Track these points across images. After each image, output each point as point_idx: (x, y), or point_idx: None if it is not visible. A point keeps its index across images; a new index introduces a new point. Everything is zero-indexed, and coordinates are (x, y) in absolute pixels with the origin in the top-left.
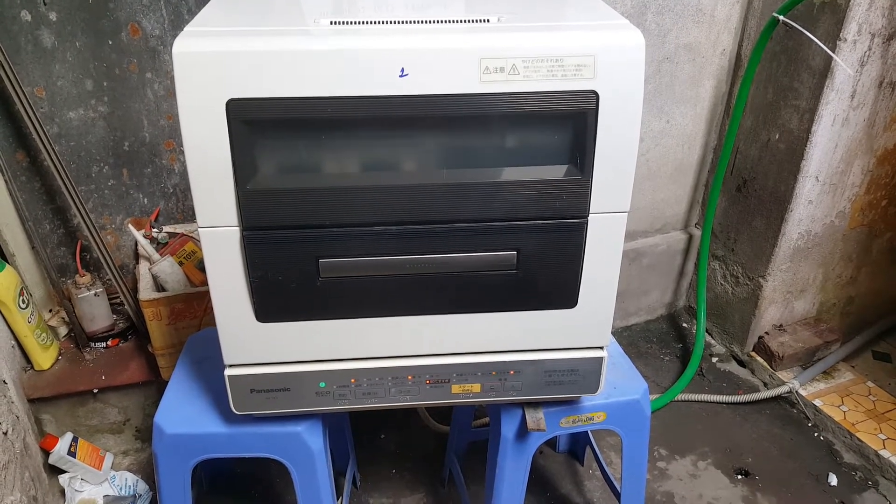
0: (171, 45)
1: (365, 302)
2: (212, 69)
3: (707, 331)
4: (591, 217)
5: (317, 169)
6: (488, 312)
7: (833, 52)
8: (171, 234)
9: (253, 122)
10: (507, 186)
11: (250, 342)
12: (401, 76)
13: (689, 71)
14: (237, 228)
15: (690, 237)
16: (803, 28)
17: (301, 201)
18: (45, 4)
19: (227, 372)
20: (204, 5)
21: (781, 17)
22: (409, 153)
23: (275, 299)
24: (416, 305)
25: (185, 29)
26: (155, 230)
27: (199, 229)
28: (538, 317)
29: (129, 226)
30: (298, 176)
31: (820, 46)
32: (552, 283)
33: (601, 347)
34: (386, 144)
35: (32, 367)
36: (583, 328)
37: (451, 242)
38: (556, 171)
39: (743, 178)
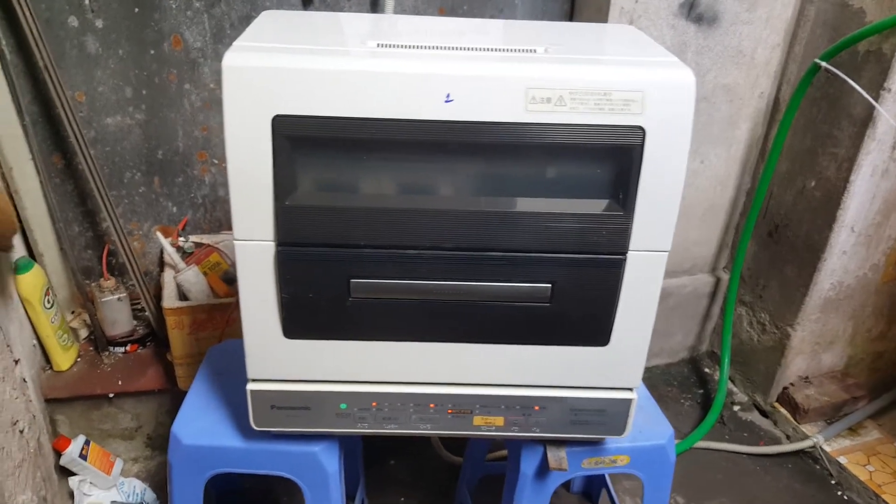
0: (211, 58)
1: (393, 325)
2: (260, 84)
3: (730, 378)
4: (630, 254)
5: (355, 189)
6: (518, 344)
7: (876, 101)
8: (198, 244)
9: (297, 139)
10: (546, 218)
11: (275, 358)
12: (446, 101)
13: (726, 112)
14: (272, 243)
15: (718, 280)
16: (846, 76)
17: (337, 220)
18: (92, 11)
19: (250, 386)
20: (246, 21)
21: (824, 64)
22: (449, 178)
23: (304, 316)
24: (445, 332)
25: (234, 43)
26: (182, 239)
27: (235, 242)
28: (568, 353)
29: (157, 233)
30: (336, 194)
31: (863, 95)
32: (585, 319)
33: (631, 389)
34: (426, 168)
35: (51, 367)
36: (614, 368)
37: (485, 271)
38: (597, 206)
39: (775, 224)
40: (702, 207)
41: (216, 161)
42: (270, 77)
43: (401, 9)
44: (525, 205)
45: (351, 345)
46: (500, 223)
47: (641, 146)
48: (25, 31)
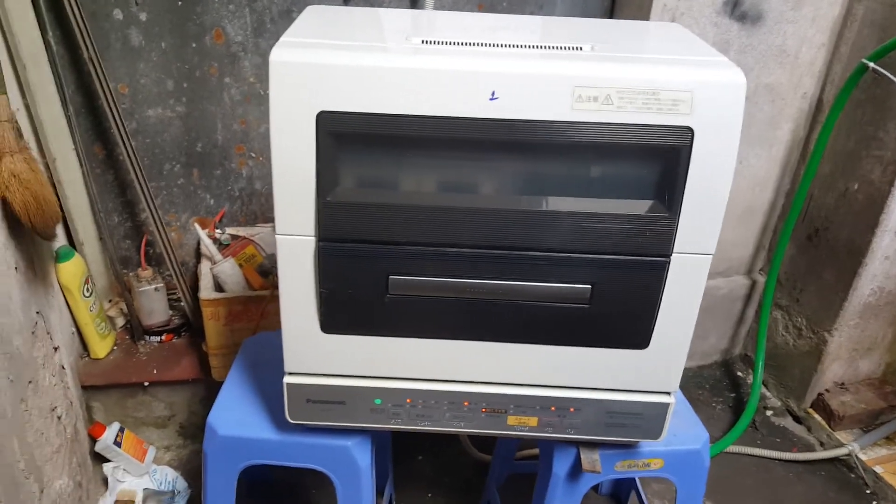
0: (252, 52)
1: (430, 322)
2: (306, 80)
3: (763, 382)
4: (673, 257)
5: (397, 186)
6: (555, 345)
7: None
8: (234, 237)
9: (341, 135)
10: (589, 218)
11: (313, 352)
12: (491, 99)
13: (768, 112)
14: (313, 238)
15: (754, 283)
16: (894, 76)
17: (378, 216)
18: (136, 4)
19: (287, 380)
20: (286, 16)
21: (871, 64)
22: (491, 177)
23: (342, 311)
24: (482, 331)
25: (281, 38)
26: (218, 231)
27: (277, 236)
28: (606, 355)
29: (195, 224)
30: (378, 191)
31: None
32: (625, 322)
33: (669, 393)
34: (469, 166)
35: (88, 355)
36: (652, 371)
37: (524, 270)
38: (642, 207)
39: (815, 227)
40: (740, 208)
41: (254, 154)
42: (316, 73)
43: (440, 4)
44: (568, 204)
45: (387, 341)
46: (542, 223)
47: (690, 147)
48: (72, 23)
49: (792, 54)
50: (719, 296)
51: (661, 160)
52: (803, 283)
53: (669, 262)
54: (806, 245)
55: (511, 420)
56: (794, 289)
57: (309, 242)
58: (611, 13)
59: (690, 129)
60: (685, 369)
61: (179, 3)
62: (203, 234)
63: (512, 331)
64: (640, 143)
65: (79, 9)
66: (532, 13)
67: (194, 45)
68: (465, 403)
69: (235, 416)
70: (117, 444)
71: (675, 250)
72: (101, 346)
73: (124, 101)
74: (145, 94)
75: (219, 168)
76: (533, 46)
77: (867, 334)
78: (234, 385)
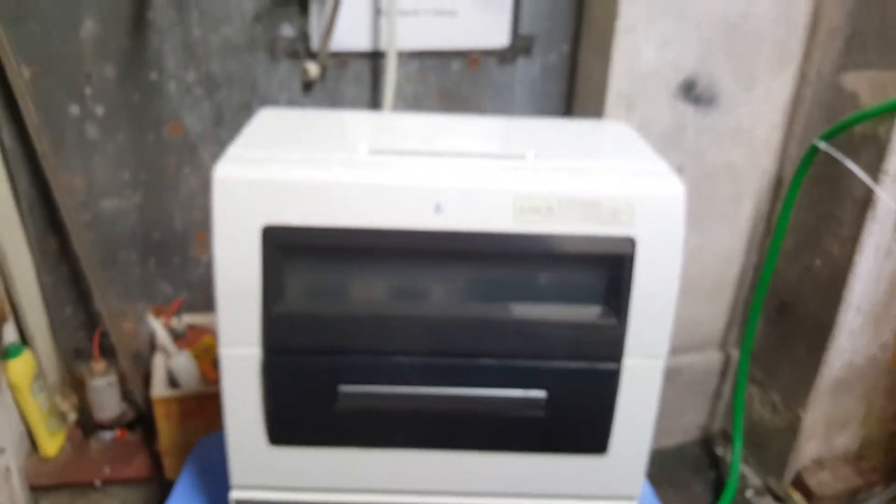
0: (212, 142)
1: (382, 432)
2: (250, 195)
3: (743, 459)
4: (625, 362)
5: (344, 296)
6: (512, 452)
7: (875, 183)
8: (191, 326)
9: (287, 248)
10: (538, 325)
11: (261, 464)
12: (436, 212)
13: (729, 190)
14: (258, 350)
15: (728, 357)
16: (845, 157)
17: (325, 327)
18: (93, 100)
19: (234, 494)
20: (246, 108)
21: (822, 145)
22: (439, 285)
23: (290, 423)
24: (436, 439)
25: (227, 151)
26: (176, 319)
27: (221, 348)
28: (564, 461)
29: (149, 318)
30: (325, 302)
31: (861, 177)
32: (581, 427)
33: (632, 498)
34: (416, 276)
35: (37, 453)
36: (613, 476)
37: (477, 377)
38: (590, 313)
39: (782, 301)
40: (709, 282)
41: (214, 270)
42: (261, 189)
43: (400, 92)
44: (516, 311)
45: (338, 452)
46: (493, 330)
47: (632, 256)
48: (26, 120)
49: (747, 134)
50: (695, 371)
51: (606, 269)
52: (775, 358)
53: (621, 367)
54: (776, 319)
55: None
56: (767, 363)
57: (254, 354)
58: (568, 98)
59: (632, 240)
60: (665, 448)
61: (137, 96)
62: (158, 326)
63: (467, 439)
64: (583, 252)
65: (34, 106)
66: (491, 97)
67: (152, 136)
68: None
69: None
70: None
71: (626, 355)
72: (51, 444)
73: (80, 194)
74: (101, 186)
75: (177, 256)
76: (479, 155)
77: (841, 409)
78: (184, 492)
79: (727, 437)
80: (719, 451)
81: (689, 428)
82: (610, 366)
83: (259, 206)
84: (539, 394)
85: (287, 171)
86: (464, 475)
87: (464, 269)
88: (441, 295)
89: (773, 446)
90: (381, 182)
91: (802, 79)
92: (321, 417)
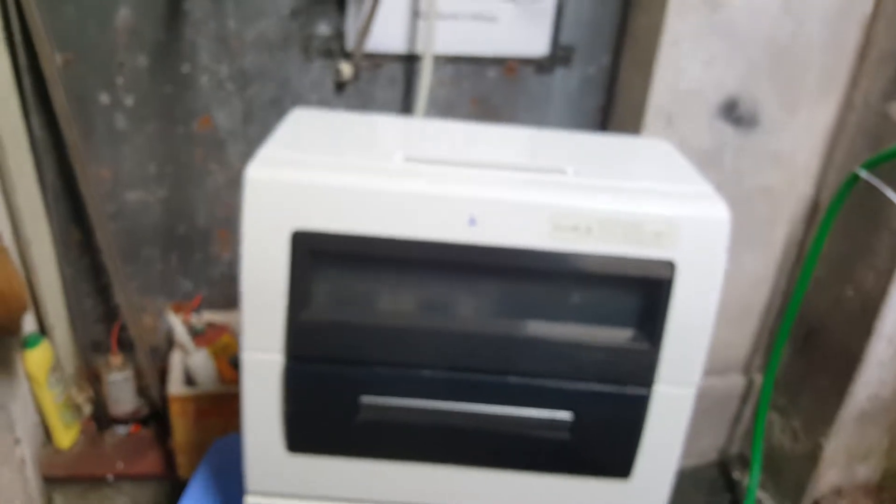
0: (241, 139)
1: (402, 445)
2: (282, 198)
3: (760, 484)
4: (655, 388)
5: (371, 306)
6: (533, 472)
7: None
8: (210, 325)
9: (316, 254)
10: (568, 345)
11: (278, 472)
12: (470, 224)
13: (764, 214)
14: (281, 356)
15: (751, 382)
16: (886, 188)
17: (351, 336)
18: (124, 90)
19: (249, 500)
20: (276, 104)
21: (864, 174)
22: (468, 300)
23: (310, 431)
24: (458, 455)
25: (259, 153)
26: (195, 315)
27: (243, 352)
28: (587, 484)
29: (168, 314)
30: (352, 311)
31: None
32: (606, 450)
33: None
34: (446, 289)
35: (51, 443)
36: (635, 501)
37: (502, 395)
38: (622, 336)
39: (810, 329)
40: (736, 307)
41: (241, 272)
42: (293, 192)
43: (433, 97)
44: (545, 329)
45: (357, 463)
46: (521, 347)
47: (671, 281)
48: (56, 108)
49: (787, 158)
50: (716, 395)
51: (643, 292)
52: (799, 385)
53: (651, 393)
54: (802, 348)
55: None
56: (790, 391)
57: (277, 360)
58: (605, 112)
59: (672, 263)
60: (681, 469)
61: (168, 88)
62: (177, 323)
63: (488, 456)
64: (619, 274)
65: (65, 94)
66: (526, 108)
67: (181, 129)
68: None
69: None
70: None
71: (657, 381)
72: (66, 436)
73: (106, 185)
74: (127, 177)
75: (199, 252)
76: (516, 168)
77: (864, 440)
78: (198, 493)
79: (745, 462)
80: (736, 475)
81: (706, 451)
82: (640, 391)
83: (290, 210)
84: (565, 415)
85: (320, 175)
86: (483, 493)
87: (495, 285)
88: (470, 309)
89: (791, 473)
90: (416, 191)
91: (848, 105)
92: (341, 427)
